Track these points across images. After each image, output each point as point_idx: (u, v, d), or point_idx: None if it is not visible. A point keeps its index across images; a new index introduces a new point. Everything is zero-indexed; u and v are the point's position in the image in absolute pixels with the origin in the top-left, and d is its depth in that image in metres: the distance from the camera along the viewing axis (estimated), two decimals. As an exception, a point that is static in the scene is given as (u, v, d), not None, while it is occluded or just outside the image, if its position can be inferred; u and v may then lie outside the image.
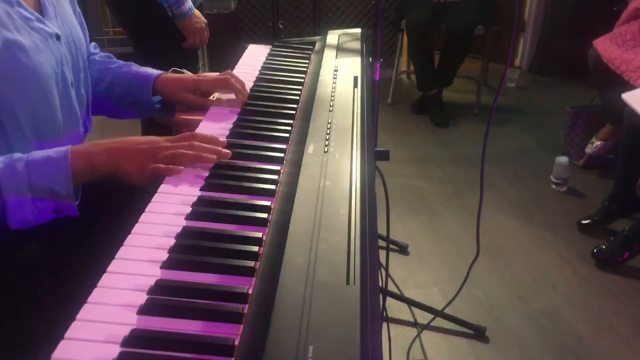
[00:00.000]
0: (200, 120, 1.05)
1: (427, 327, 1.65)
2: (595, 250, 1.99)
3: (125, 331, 0.55)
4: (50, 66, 0.89)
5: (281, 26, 1.99)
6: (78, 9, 1.09)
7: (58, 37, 0.93)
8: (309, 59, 1.38)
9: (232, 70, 1.31)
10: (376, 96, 1.67)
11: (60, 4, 1.00)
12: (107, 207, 0.93)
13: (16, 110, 0.83)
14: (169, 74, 1.16)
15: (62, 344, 0.53)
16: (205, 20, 1.98)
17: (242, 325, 0.56)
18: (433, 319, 1.63)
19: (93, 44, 1.19)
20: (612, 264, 1.96)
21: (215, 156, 0.85)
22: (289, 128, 0.99)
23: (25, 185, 0.75)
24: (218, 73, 1.17)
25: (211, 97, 1.16)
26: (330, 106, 0.97)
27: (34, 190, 0.75)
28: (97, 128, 1.15)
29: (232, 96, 1.13)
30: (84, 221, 0.85)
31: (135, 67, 1.16)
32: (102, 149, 0.82)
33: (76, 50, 1.00)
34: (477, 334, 1.66)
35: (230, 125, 1.01)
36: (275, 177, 0.83)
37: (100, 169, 0.81)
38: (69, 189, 0.77)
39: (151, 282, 0.61)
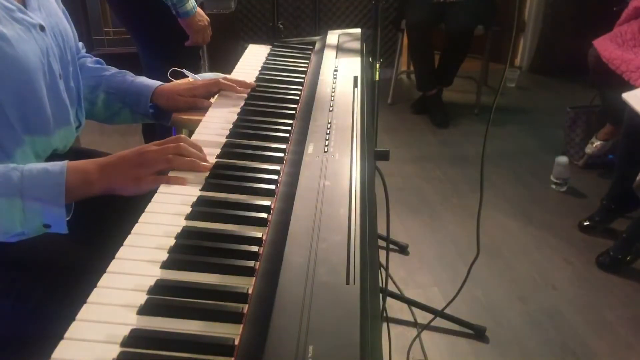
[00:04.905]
0: (200, 121, 1.05)
1: (427, 327, 1.65)
2: (600, 258, 1.99)
3: (125, 331, 0.55)
4: (35, 56, 0.88)
5: (281, 26, 1.99)
6: (62, 6, 1.07)
7: (42, 28, 0.91)
8: (309, 59, 1.38)
9: (232, 70, 1.31)
10: (376, 96, 1.67)
11: None
12: (107, 207, 0.93)
13: (2, 102, 0.82)
14: (165, 85, 1.17)
15: (62, 344, 0.53)
16: (208, 19, 1.98)
17: (242, 325, 0.56)
18: (433, 319, 1.62)
19: (80, 43, 1.17)
20: (614, 265, 1.96)
21: (209, 165, 0.85)
22: (289, 128, 0.99)
23: (17, 192, 0.73)
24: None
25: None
26: (330, 106, 0.97)
27: (24, 197, 0.73)
28: (97, 128, 1.15)
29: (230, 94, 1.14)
30: (85, 221, 0.85)
31: (130, 77, 1.16)
32: (96, 165, 0.80)
33: (63, 42, 0.99)
34: (477, 334, 1.66)
35: (230, 125, 1.01)
36: (275, 177, 0.83)
37: (94, 186, 0.79)
38: (61, 202, 0.75)
39: (151, 282, 0.61)
